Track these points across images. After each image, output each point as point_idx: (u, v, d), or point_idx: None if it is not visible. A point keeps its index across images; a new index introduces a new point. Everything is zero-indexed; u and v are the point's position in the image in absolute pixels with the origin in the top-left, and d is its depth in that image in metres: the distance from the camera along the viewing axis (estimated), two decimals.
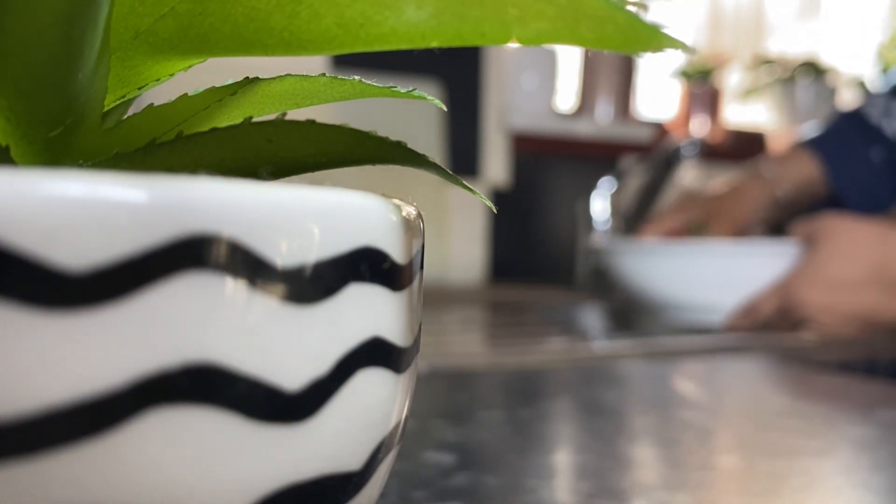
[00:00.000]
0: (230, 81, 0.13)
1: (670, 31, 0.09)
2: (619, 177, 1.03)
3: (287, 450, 0.09)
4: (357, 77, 0.12)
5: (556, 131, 1.10)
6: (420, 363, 0.18)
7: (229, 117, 0.13)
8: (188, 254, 0.08)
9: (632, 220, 1.03)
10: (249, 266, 0.08)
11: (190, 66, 0.12)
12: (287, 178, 0.12)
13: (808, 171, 0.75)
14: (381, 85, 0.12)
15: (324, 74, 0.13)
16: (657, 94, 1.30)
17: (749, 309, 0.66)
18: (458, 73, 1.01)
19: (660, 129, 1.23)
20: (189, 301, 0.08)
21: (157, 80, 0.12)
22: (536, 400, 0.32)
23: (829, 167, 0.74)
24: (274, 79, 0.13)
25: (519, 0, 0.09)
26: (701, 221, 0.75)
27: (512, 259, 1.08)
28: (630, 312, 0.77)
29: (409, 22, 0.10)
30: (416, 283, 0.11)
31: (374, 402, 0.10)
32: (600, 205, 1.03)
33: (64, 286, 0.07)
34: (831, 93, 1.31)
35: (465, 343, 0.50)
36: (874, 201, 0.74)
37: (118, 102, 0.12)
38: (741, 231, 0.75)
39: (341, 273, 0.10)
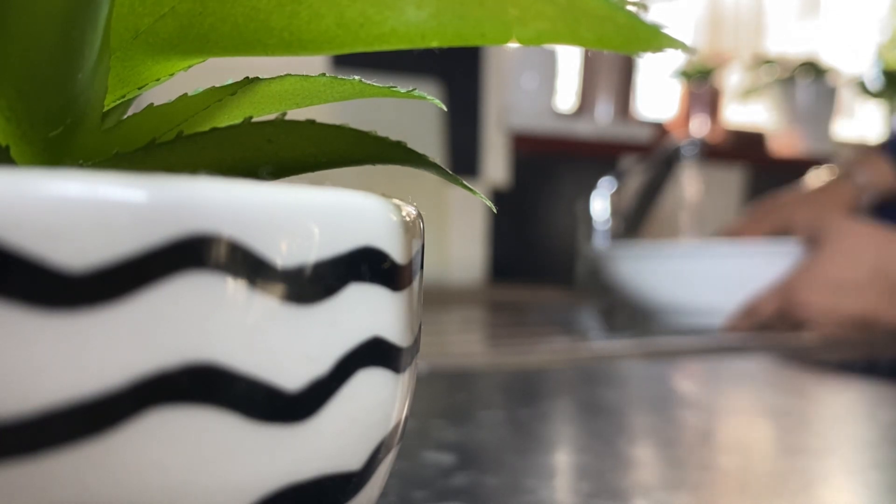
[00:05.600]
0: (230, 81, 0.13)
1: (670, 31, 0.09)
2: (619, 177, 1.03)
3: (287, 450, 0.09)
4: (357, 77, 0.12)
5: (556, 131, 1.10)
6: (420, 363, 0.18)
7: (229, 117, 0.13)
8: (188, 254, 0.08)
9: (632, 220, 1.03)
10: (249, 266, 0.08)
11: (190, 66, 0.12)
12: (287, 178, 0.12)
13: (886, 176, 0.74)
14: (381, 85, 0.12)
15: (324, 74, 0.13)
16: (657, 94, 1.30)
17: (749, 310, 0.66)
18: (458, 73, 1.01)
19: (660, 129, 1.23)
20: (189, 301, 0.08)
21: (157, 80, 0.12)
22: (536, 400, 0.32)
23: None
24: (274, 79, 0.13)
25: (519, 0, 0.09)
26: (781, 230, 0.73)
27: (512, 259, 1.08)
28: (630, 312, 0.77)
29: (409, 22, 0.10)
30: (416, 283, 0.11)
31: (374, 402, 0.10)
32: (600, 205, 1.03)
33: (64, 286, 0.07)
34: (831, 93, 1.31)
35: (465, 343, 0.50)
36: None
37: (118, 102, 0.12)
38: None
39: (341, 273, 0.10)
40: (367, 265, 0.10)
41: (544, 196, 1.12)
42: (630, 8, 0.09)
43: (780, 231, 0.72)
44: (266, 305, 0.09)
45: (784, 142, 1.33)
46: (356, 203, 0.10)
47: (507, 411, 0.30)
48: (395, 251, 0.11)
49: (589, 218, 1.04)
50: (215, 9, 0.11)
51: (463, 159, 1.02)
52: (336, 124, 0.11)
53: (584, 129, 1.12)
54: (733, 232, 0.76)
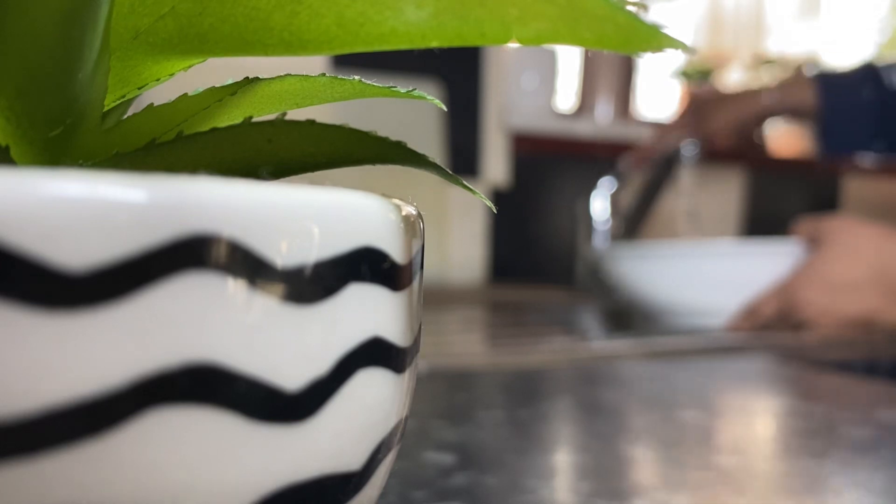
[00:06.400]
0: (230, 81, 0.13)
1: (670, 31, 0.09)
2: (620, 177, 1.03)
3: (287, 450, 0.09)
4: (357, 77, 0.12)
5: (556, 131, 1.10)
6: (420, 363, 0.18)
7: (229, 117, 0.13)
8: (188, 254, 0.08)
9: (632, 220, 1.03)
10: (249, 266, 0.08)
11: (190, 66, 0.12)
12: (287, 178, 0.12)
13: (805, 101, 0.79)
14: (381, 85, 0.12)
15: (324, 74, 0.13)
16: (657, 94, 1.30)
17: (749, 310, 0.66)
18: (458, 73, 1.01)
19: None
20: (189, 301, 0.08)
21: (157, 80, 0.12)
22: (536, 400, 0.32)
23: (822, 105, 0.78)
24: (274, 79, 0.13)
25: (519, 0, 0.09)
26: (692, 126, 0.80)
27: (512, 259, 1.08)
28: (630, 312, 0.77)
29: (409, 22, 0.10)
30: (416, 283, 0.11)
31: (374, 402, 0.10)
32: (600, 205, 1.03)
33: (64, 286, 0.07)
34: None
35: (465, 343, 0.50)
36: (851, 138, 0.78)
37: (118, 102, 0.12)
38: (724, 133, 0.78)
39: (341, 273, 0.10)
40: (367, 265, 0.10)
41: (544, 196, 1.12)
42: (630, 8, 0.09)
43: (694, 126, 0.81)
44: (266, 305, 0.09)
45: (784, 142, 1.33)
46: (356, 203, 0.10)
47: (507, 411, 0.30)
48: (395, 251, 0.11)
49: (589, 218, 1.04)
50: (215, 9, 0.11)
51: (463, 159, 1.02)
52: (336, 124, 0.11)
53: (584, 129, 1.12)
54: (657, 135, 0.83)
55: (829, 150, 0.80)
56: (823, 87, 0.78)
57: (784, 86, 0.81)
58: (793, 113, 0.81)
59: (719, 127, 0.80)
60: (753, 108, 0.79)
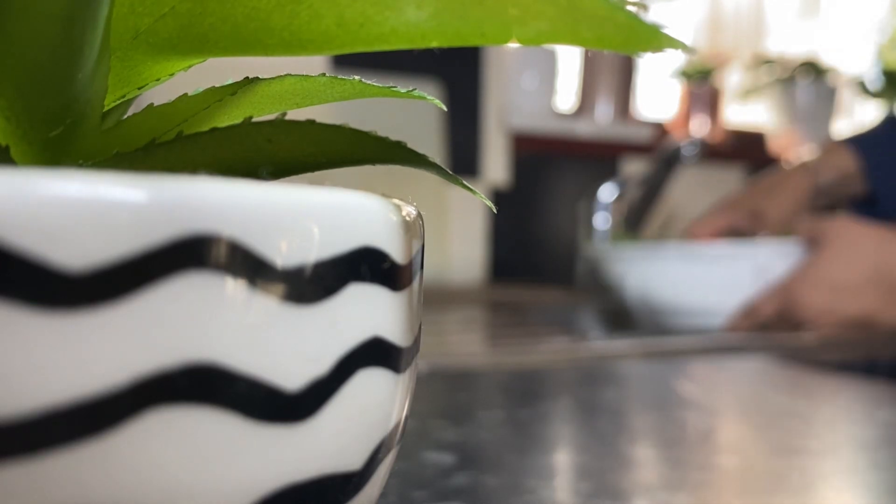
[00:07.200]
0: (230, 81, 0.13)
1: (670, 31, 0.09)
2: (622, 186, 1.03)
3: (287, 450, 0.09)
4: (357, 77, 0.12)
5: (556, 131, 1.10)
6: (420, 363, 0.18)
7: (229, 117, 0.13)
8: (188, 254, 0.08)
9: (632, 220, 1.03)
10: (249, 266, 0.08)
11: (190, 66, 0.12)
12: (287, 178, 0.12)
13: (847, 165, 0.75)
14: (381, 85, 0.12)
15: (324, 74, 0.13)
16: (657, 94, 1.30)
17: (749, 310, 0.66)
18: (458, 73, 1.01)
19: (660, 129, 1.23)
20: (189, 301, 0.08)
21: (157, 80, 0.12)
22: (536, 400, 0.32)
23: (865, 163, 0.75)
24: (274, 79, 0.13)
25: (519, 0, 0.09)
26: (748, 227, 0.74)
27: (512, 259, 1.08)
28: (630, 312, 0.77)
29: (409, 22, 0.10)
30: (416, 283, 0.11)
31: (374, 402, 0.10)
32: (601, 205, 1.03)
33: (64, 286, 0.07)
34: (831, 93, 1.31)
35: (465, 343, 0.50)
36: None
37: (118, 102, 0.12)
38: (789, 223, 0.74)
39: (341, 273, 0.10)
40: (367, 265, 0.10)
41: (544, 196, 1.12)
42: (630, 8, 0.09)
43: (744, 223, 0.74)
44: (266, 305, 0.09)
45: (784, 142, 1.33)
46: (356, 203, 0.10)
47: (507, 411, 0.30)
48: (395, 251, 0.11)
49: (589, 218, 1.04)
50: (215, 9, 0.11)
51: (463, 159, 1.02)
52: (336, 124, 0.11)
53: (584, 129, 1.12)
54: (695, 230, 0.76)
55: (891, 211, 0.74)
56: (858, 146, 0.75)
57: (820, 160, 0.76)
58: (840, 183, 0.75)
59: (778, 218, 0.74)
60: (805, 193, 0.74)
